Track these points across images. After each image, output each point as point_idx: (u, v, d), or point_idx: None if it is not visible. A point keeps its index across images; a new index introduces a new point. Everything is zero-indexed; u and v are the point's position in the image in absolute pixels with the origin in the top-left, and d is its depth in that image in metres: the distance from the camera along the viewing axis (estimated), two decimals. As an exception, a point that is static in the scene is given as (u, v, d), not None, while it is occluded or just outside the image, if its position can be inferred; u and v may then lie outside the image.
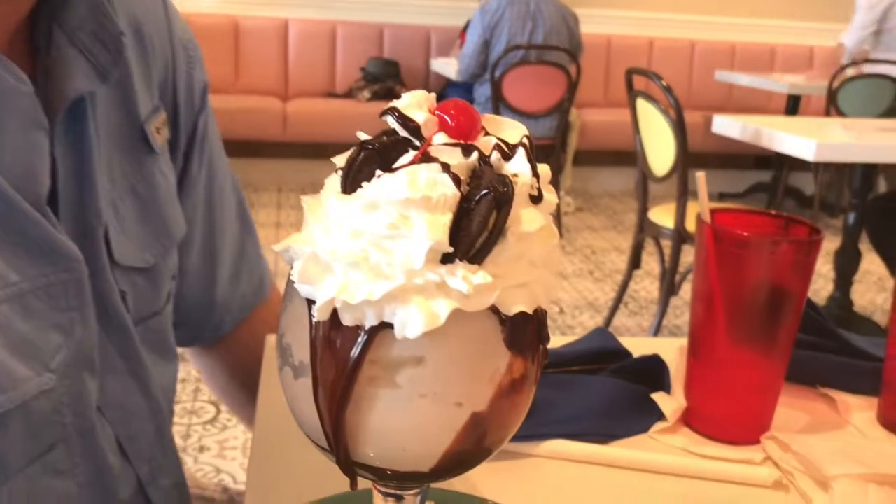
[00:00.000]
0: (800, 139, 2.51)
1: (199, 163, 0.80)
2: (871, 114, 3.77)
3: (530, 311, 0.40)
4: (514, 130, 0.42)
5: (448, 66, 4.77)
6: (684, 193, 2.67)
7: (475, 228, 0.37)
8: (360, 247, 0.38)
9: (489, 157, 0.40)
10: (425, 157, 0.39)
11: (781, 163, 4.77)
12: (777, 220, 0.74)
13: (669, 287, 2.83)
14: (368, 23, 5.55)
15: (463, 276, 0.37)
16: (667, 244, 2.87)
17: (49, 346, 0.57)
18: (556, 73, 4.16)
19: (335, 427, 0.40)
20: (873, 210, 2.95)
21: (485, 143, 0.41)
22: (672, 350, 0.84)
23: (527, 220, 0.39)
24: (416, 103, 0.41)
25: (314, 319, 0.39)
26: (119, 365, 0.65)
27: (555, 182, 4.52)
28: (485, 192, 0.38)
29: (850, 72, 4.01)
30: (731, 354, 0.71)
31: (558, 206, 4.52)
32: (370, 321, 0.38)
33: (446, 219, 0.37)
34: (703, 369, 0.73)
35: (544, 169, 0.41)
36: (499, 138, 0.41)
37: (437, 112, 0.41)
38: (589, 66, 4.94)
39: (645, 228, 2.96)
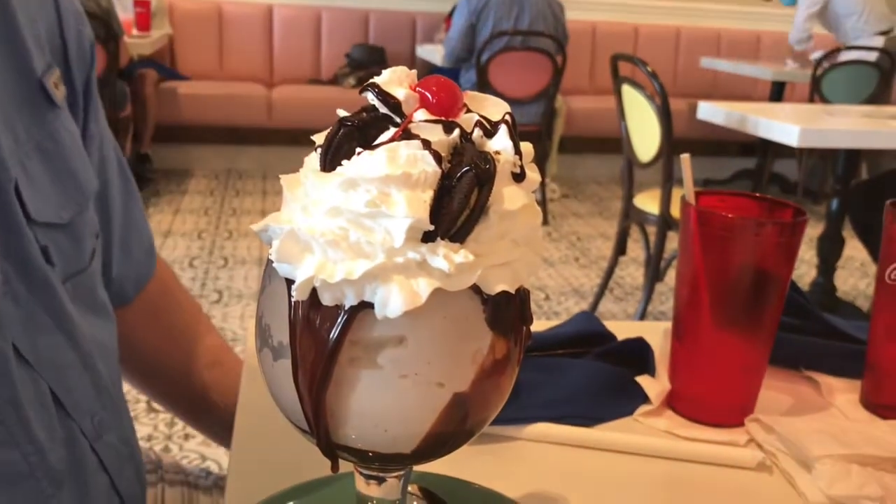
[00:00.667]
0: (784, 125, 2.51)
1: (96, 119, 0.79)
2: (854, 100, 3.79)
3: (513, 291, 0.40)
4: (496, 108, 0.42)
5: (434, 52, 4.75)
6: (669, 180, 2.67)
7: (456, 206, 0.37)
8: (339, 225, 0.37)
9: (471, 134, 0.40)
10: (406, 134, 0.38)
11: (766, 150, 4.79)
12: (761, 202, 0.74)
13: (654, 273, 2.84)
14: (353, 8, 5.51)
15: (444, 255, 0.37)
16: (652, 230, 2.87)
17: None
18: (541, 60, 4.15)
19: (315, 409, 0.40)
20: (856, 196, 2.96)
21: (466, 119, 0.40)
22: (657, 333, 0.84)
23: (509, 198, 0.38)
24: (396, 79, 0.40)
25: (293, 299, 0.38)
26: (46, 321, 0.64)
27: (540, 169, 4.44)
28: (466, 168, 0.37)
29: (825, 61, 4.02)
30: (715, 337, 0.71)
31: (543, 192, 4.55)
32: (350, 301, 0.37)
33: (427, 196, 0.37)
34: (687, 352, 0.73)
35: (527, 147, 0.41)
36: (481, 115, 0.40)
37: (417, 88, 0.40)
38: (574, 53, 4.93)
39: (630, 215, 2.96)
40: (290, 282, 0.39)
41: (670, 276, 3.28)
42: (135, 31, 4.53)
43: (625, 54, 2.97)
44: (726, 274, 0.69)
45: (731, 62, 4.89)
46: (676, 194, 2.72)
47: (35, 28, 0.69)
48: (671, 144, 2.66)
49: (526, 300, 0.42)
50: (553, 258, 4.00)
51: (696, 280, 0.70)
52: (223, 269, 3.54)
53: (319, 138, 0.41)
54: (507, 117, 0.40)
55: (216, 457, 2.17)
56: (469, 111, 0.41)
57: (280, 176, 0.41)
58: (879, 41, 4.36)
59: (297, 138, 5.08)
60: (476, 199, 0.37)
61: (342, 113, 0.41)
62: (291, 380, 0.40)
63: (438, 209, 0.37)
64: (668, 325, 0.86)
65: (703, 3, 5.89)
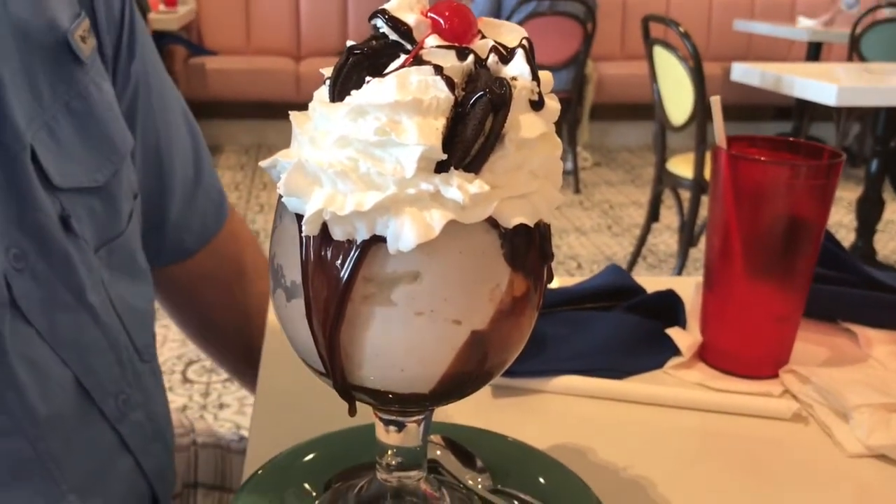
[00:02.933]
0: (821, 84, 2.45)
1: (127, 67, 0.74)
2: (895, 59, 3.68)
3: (531, 225, 0.38)
4: (512, 34, 0.40)
5: None
6: (702, 142, 2.62)
7: (470, 133, 0.35)
8: (347, 156, 0.36)
9: (486, 60, 0.38)
10: (417, 61, 0.37)
11: (802, 113, 4.68)
12: (795, 146, 0.71)
13: (689, 238, 2.80)
14: (380, -21, 5.46)
15: (458, 185, 0.35)
16: (685, 196, 2.82)
17: None
18: (571, 25, 4.09)
19: (330, 348, 0.39)
20: (894, 156, 2.88)
21: (481, 46, 0.38)
22: (688, 287, 0.82)
23: (526, 126, 0.37)
24: (406, 5, 0.39)
25: (304, 235, 0.37)
26: (67, 299, 0.61)
27: (572, 136, 4.46)
28: (480, 94, 0.35)
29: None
30: (747, 286, 0.69)
31: (575, 161, 4.50)
32: (361, 234, 0.36)
33: (439, 124, 0.35)
34: (719, 302, 0.71)
35: (546, 75, 0.39)
36: (496, 41, 0.39)
37: (429, 14, 0.38)
38: (605, 18, 4.84)
39: (663, 180, 2.91)
40: (299, 218, 0.37)
41: (704, 242, 3.24)
42: (161, 7, 4.54)
43: (656, 15, 2.91)
44: (759, 220, 0.67)
45: (765, 24, 4.78)
46: (710, 158, 2.67)
47: None
48: (704, 106, 2.60)
49: (546, 236, 0.41)
50: (585, 227, 3.96)
51: (728, 228, 0.68)
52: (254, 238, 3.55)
53: (328, 71, 0.39)
54: (524, 42, 0.38)
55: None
56: (484, 37, 0.39)
57: (290, 112, 0.40)
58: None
59: (326, 111, 5.08)
60: (491, 125, 0.36)
61: (350, 42, 0.39)
62: (305, 320, 0.39)
63: (452, 137, 0.36)
64: (698, 278, 0.83)
65: (737, -36, 5.75)
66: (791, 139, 0.71)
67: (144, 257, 0.75)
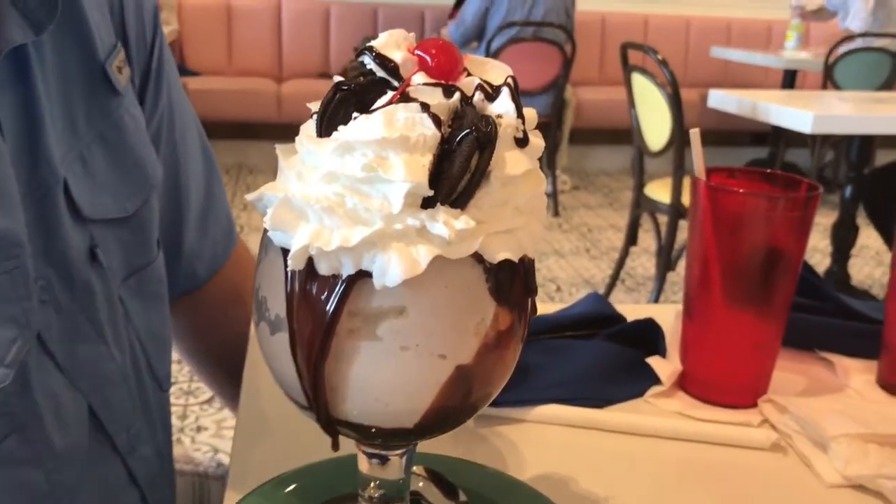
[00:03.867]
0: (796, 111, 2.48)
1: (156, 97, 0.74)
2: (868, 87, 3.74)
3: (516, 260, 0.38)
4: (498, 71, 0.40)
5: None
6: (680, 168, 2.65)
7: (456, 170, 0.36)
8: (334, 191, 0.36)
9: (472, 98, 0.38)
10: (404, 98, 0.37)
11: (778, 139, 4.75)
12: (773, 178, 0.72)
13: (666, 263, 2.82)
14: (362, 2, 5.50)
15: (444, 221, 0.35)
16: (663, 220, 2.85)
17: (3, 341, 0.52)
18: (551, 51, 4.13)
19: (314, 383, 0.39)
20: (870, 183, 2.93)
21: (467, 83, 0.39)
22: (668, 315, 0.82)
23: (511, 163, 0.37)
24: (393, 42, 0.39)
25: (289, 269, 0.37)
26: (88, 331, 0.61)
27: (551, 160, 4.49)
28: (466, 131, 0.36)
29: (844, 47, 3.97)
30: (726, 315, 0.69)
31: (554, 184, 4.52)
32: (347, 269, 0.36)
33: (426, 160, 0.36)
34: (698, 331, 0.71)
35: (530, 112, 0.39)
36: (482, 79, 0.39)
37: (416, 51, 0.39)
38: (584, 44, 4.90)
39: (641, 204, 2.94)
40: (285, 252, 0.38)
41: (682, 266, 3.26)
42: (143, 28, 4.54)
43: (635, 43, 2.95)
44: (738, 251, 0.68)
45: (741, 51, 4.85)
46: (688, 183, 2.69)
47: (99, 2, 0.65)
48: (682, 132, 2.64)
49: (530, 270, 0.41)
50: (564, 249, 3.98)
51: (707, 258, 0.69)
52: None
53: (315, 105, 0.40)
54: (510, 81, 0.39)
55: (229, 448, 2.16)
56: (470, 75, 0.40)
57: (276, 146, 0.40)
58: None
59: (307, 133, 5.08)
60: (477, 163, 0.36)
61: (338, 78, 0.40)
62: (289, 354, 0.39)
63: (438, 174, 0.36)
64: (678, 307, 0.84)
65: (714, -9, 5.84)
66: (769, 171, 0.72)
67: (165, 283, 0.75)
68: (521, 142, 0.38)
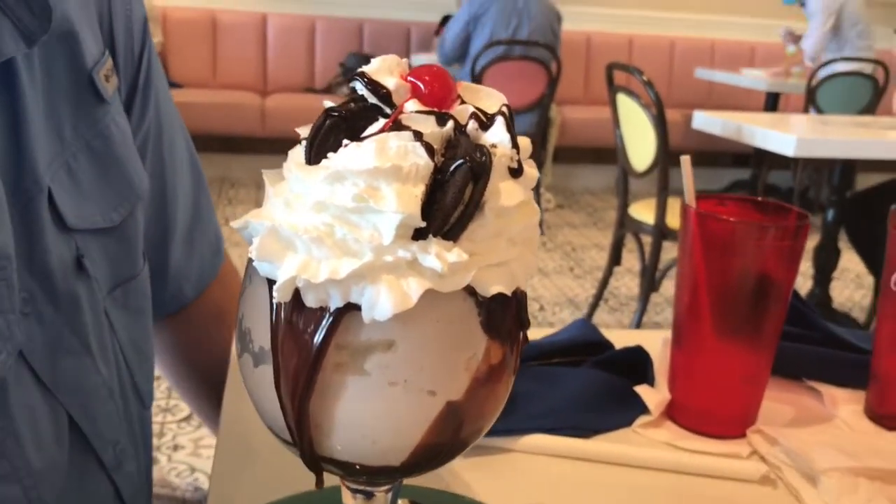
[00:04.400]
0: (780, 135, 2.50)
1: (143, 108, 0.73)
2: (849, 111, 3.78)
3: (509, 293, 0.37)
4: (492, 99, 0.39)
5: (428, 62, 4.74)
6: (665, 189, 2.65)
7: (450, 201, 0.35)
8: (323, 221, 0.35)
9: (465, 126, 0.37)
10: (396, 126, 0.36)
11: (760, 160, 4.78)
12: (763, 207, 0.72)
13: (650, 283, 2.82)
14: (348, 18, 5.50)
15: (436, 254, 0.34)
16: (647, 240, 2.85)
17: None
18: (536, 69, 4.14)
19: (299, 418, 0.37)
20: (852, 207, 2.95)
21: (461, 111, 0.38)
22: (655, 342, 0.82)
23: (506, 194, 0.36)
24: (386, 68, 0.38)
25: (274, 301, 0.36)
26: (73, 343, 0.59)
27: (535, 178, 4.49)
28: (460, 162, 0.35)
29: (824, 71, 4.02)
30: (716, 344, 0.69)
31: (538, 202, 4.53)
32: (335, 302, 0.35)
33: (418, 191, 0.35)
34: (687, 360, 0.71)
35: (524, 141, 0.38)
36: (476, 107, 0.38)
37: (409, 78, 0.38)
38: (569, 63, 4.92)
39: (625, 224, 2.94)
40: (271, 283, 0.36)
41: (665, 287, 3.26)
42: (128, 39, 4.51)
43: (620, 63, 2.96)
44: (728, 280, 0.67)
45: (725, 72, 4.89)
46: (672, 204, 2.70)
47: (88, 12, 0.64)
48: (667, 153, 2.64)
49: (523, 303, 0.40)
50: (548, 268, 3.98)
51: (697, 286, 0.68)
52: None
53: (304, 131, 0.39)
54: (504, 109, 0.38)
55: (206, 468, 2.13)
56: (463, 103, 0.39)
57: (262, 171, 0.39)
58: (872, 53, 4.38)
59: (291, 147, 5.06)
60: (471, 194, 0.35)
61: (328, 103, 0.38)
62: (273, 387, 0.37)
63: (430, 205, 0.35)
64: (666, 333, 0.83)
65: (698, 14, 5.89)
66: (759, 199, 0.72)
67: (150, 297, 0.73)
68: (516, 172, 0.37)
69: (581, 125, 5.31)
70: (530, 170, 0.38)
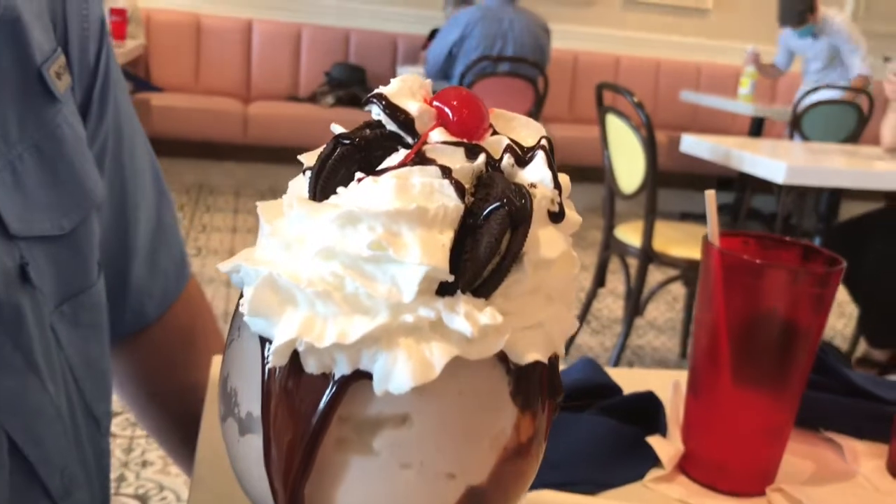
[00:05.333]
0: (770, 161, 2.47)
1: (100, 113, 0.68)
2: (834, 138, 3.77)
3: (545, 360, 0.32)
4: (529, 129, 0.34)
5: (415, 75, 4.69)
6: (652, 212, 2.61)
7: (483, 252, 0.29)
8: (331, 271, 0.29)
9: (500, 161, 0.32)
10: (419, 159, 0.30)
11: (744, 184, 4.77)
12: (788, 246, 0.67)
13: (634, 307, 2.78)
14: (334, 27, 5.44)
15: (466, 314, 0.29)
16: (633, 263, 2.81)
17: None
18: (523, 86, 4.10)
19: (292, 501, 0.31)
20: (835, 236, 2.93)
21: (493, 143, 0.32)
22: (664, 384, 0.76)
23: (546, 243, 0.31)
24: (407, 89, 0.33)
25: (268, 364, 0.30)
26: (16, 360, 0.54)
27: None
28: (496, 205, 0.29)
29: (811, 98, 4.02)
30: (736, 395, 0.63)
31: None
32: (342, 369, 0.29)
33: (446, 238, 0.29)
34: (704, 410, 0.65)
35: (565, 180, 0.33)
36: (510, 138, 0.33)
37: (434, 102, 0.32)
38: (555, 82, 4.89)
39: (610, 246, 2.90)
40: (264, 340, 0.30)
41: (649, 311, 3.23)
42: (109, 40, 4.42)
43: (610, 83, 2.93)
44: (752, 325, 0.62)
45: (711, 96, 4.89)
46: (659, 227, 2.67)
47: (37, 4, 0.59)
48: (655, 176, 2.61)
49: (556, 367, 0.34)
50: (529, 287, 3.93)
51: (717, 330, 0.63)
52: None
53: (309, 159, 0.33)
54: (544, 142, 0.33)
55: (175, 486, 2.05)
56: (496, 133, 0.33)
57: (257, 203, 0.33)
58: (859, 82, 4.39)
59: (273, 156, 4.99)
60: (508, 244, 0.29)
61: (338, 128, 0.33)
62: (262, 463, 0.32)
63: (459, 255, 0.29)
64: (677, 374, 0.78)
65: (684, 36, 5.90)
66: (786, 238, 0.67)
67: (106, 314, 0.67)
68: (557, 216, 0.32)
69: (566, 144, 5.27)
70: (572, 213, 0.33)
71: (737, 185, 4.91)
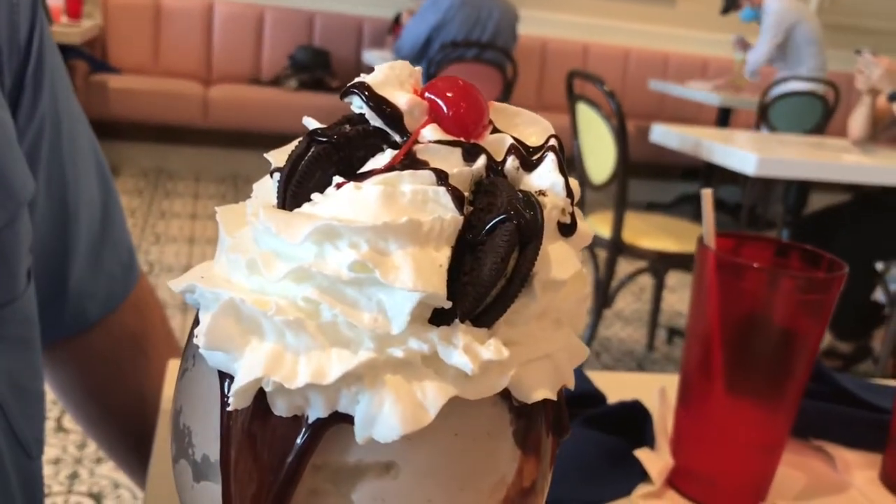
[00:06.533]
0: (741, 152, 2.46)
1: (34, 100, 0.61)
2: (799, 129, 3.78)
3: (554, 395, 0.27)
4: (534, 127, 0.29)
5: (381, 59, 4.60)
6: (622, 203, 2.59)
7: (487, 274, 0.24)
8: (305, 296, 0.24)
9: (502, 164, 0.27)
10: (410, 161, 0.26)
11: (710, 175, 4.78)
12: (785, 249, 0.63)
13: (603, 299, 2.75)
14: (298, 9, 5.33)
15: (465, 347, 0.24)
16: (601, 254, 2.79)
17: None
18: (490, 72, 4.05)
19: (255, 561, 0.27)
20: (805, 228, 2.93)
21: (495, 142, 0.28)
22: (649, 390, 0.73)
23: (558, 262, 0.26)
24: (395, 79, 0.28)
25: (229, 406, 0.25)
26: None
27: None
28: (502, 217, 0.25)
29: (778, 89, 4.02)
30: (729, 406, 0.60)
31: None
32: (316, 412, 0.24)
33: (443, 257, 0.24)
34: (695, 422, 0.62)
35: (575, 185, 0.28)
36: (514, 137, 0.28)
37: (426, 94, 0.28)
38: (523, 69, 4.85)
39: (579, 236, 2.87)
40: (225, 375, 0.26)
41: (617, 303, 3.21)
42: (64, 19, 4.28)
43: (582, 71, 2.89)
44: (748, 333, 0.58)
45: (680, 86, 4.88)
46: (629, 218, 2.64)
47: None
48: (626, 166, 2.58)
49: (562, 403, 0.30)
50: (495, 276, 3.90)
51: (710, 338, 0.59)
52: (147, 276, 3.32)
53: (277, 157, 0.28)
54: (554, 142, 0.28)
55: (129, 484, 1.98)
56: (497, 130, 0.28)
57: (216, 209, 0.28)
58: (825, 74, 4.41)
59: (234, 140, 4.89)
60: (516, 264, 0.25)
61: (311, 122, 0.28)
62: (220, 516, 0.27)
63: (458, 277, 0.25)
64: (663, 379, 0.75)
65: (653, 25, 5.89)
66: (784, 241, 0.63)
67: (38, 323, 0.61)
68: (568, 229, 0.27)
69: (532, 131, 5.24)
70: (584, 225, 0.28)
71: (702, 175, 4.92)
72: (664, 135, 2.87)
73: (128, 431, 0.77)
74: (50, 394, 0.81)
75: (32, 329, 0.59)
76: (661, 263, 2.64)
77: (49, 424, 2.18)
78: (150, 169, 4.95)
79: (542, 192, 0.27)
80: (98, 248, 0.70)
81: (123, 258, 0.74)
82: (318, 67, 5.12)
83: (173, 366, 0.71)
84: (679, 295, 3.62)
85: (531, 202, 0.25)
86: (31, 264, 0.59)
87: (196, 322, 0.27)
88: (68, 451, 2.09)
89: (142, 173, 4.86)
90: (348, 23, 5.40)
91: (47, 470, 1.97)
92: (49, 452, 2.05)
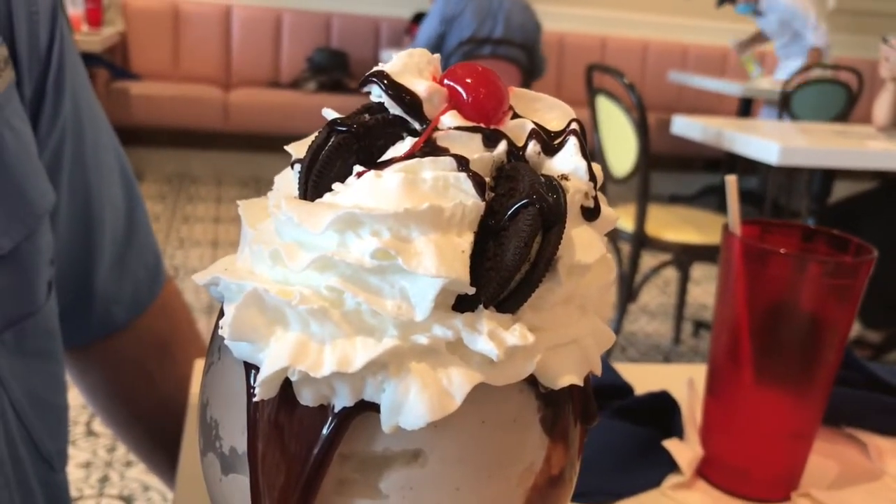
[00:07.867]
0: (763, 142, 2.43)
1: (55, 109, 0.61)
2: (823, 118, 3.74)
3: (581, 381, 0.27)
4: (555, 111, 0.29)
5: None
6: (644, 195, 2.57)
7: (510, 259, 0.24)
8: (328, 284, 0.24)
9: (523, 149, 0.27)
10: (430, 148, 0.26)
11: (732, 165, 4.74)
12: (812, 235, 0.63)
13: (627, 293, 2.74)
14: (316, 11, 5.36)
15: (490, 333, 0.24)
16: (625, 248, 2.77)
17: None
18: (509, 69, 4.05)
19: (285, 553, 0.27)
20: (831, 218, 2.90)
21: (515, 128, 0.27)
22: (678, 380, 0.72)
23: (582, 245, 0.26)
24: (414, 66, 0.28)
25: (255, 397, 0.25)
26: None
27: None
28: (524, 201, 0.24)
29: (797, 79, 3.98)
30: (759, 395, 0.59)
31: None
32: (343, 401, 0.24)
33: (465, 242, 0.24)
34: (724, 412, 0.61)
35: (598, 169, 0.28)
36: (534, 122, 0.28)
37: (445, 81, 0.27)
38: (541, 63, 4.84)
39: (601, 231, 2.85)
40: (251, 366, 0.26)
41: (642, 297, 3.19)
42: (84, 28, 4.32)
43: (601, 65, 2.87)
44: (776, 320, 0.57)
45: (700, 77, 4.84)
46: (652, 210, 2.62)
47: None
48: (648, 159, 2.56)
49: (589, 389, 0.30)
50: (518, 273, 3.89)
51: (738, 327, 0.58)
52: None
53: (297, 149, 0.28)
54: (575, 126, 0.28)
55: (160, 486, 2.00)
56: (517, 116, 0.28)
57: (238, 203, 0.28)
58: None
59: (255, 143, 4.92)
60: (540, 248, 0.25)
61: (331, 113, 0.28)
62: (249, 507, 0.27)
63: (481, 262, 0.24)
64: (692, 370, 0.74)
65: (671, 17, 5.85)
66: (812, 226, 0.62)
67: (61, 339, 0.61)
68: (592, 213, 0.27)
69: (552, 127, 5.23)
70: (608, 210, 0.28)
71: (725, 166, 4.88)
72: (686, 126, 2.85)
73: (156, 433, 0.78)
74: (80, 398, 0.82)
75: (54, 342, 0.59)
76: (685, 256, 2.62)
77: (79, 429, 2.20)
78: (172, 174, 4.99)
79: (564, 177, 0.26)
80: (123, 254, 0.70)
81: (149, 263, 0.74)
82: (337, 69, 5.14)
83: (200, 364, 0.71)
84: (704, 287, 3.60)
85: (554, 186, 0.25)
86: (53, 276, 0.59)
87: (221, 314, 0.27)
88: (98, 454, 2.11)
89: (165, 179, 4.90)
90: (365, 24, 5.41)
91: (78, 474, 1.99)
92: (79, 457, 2.07)
